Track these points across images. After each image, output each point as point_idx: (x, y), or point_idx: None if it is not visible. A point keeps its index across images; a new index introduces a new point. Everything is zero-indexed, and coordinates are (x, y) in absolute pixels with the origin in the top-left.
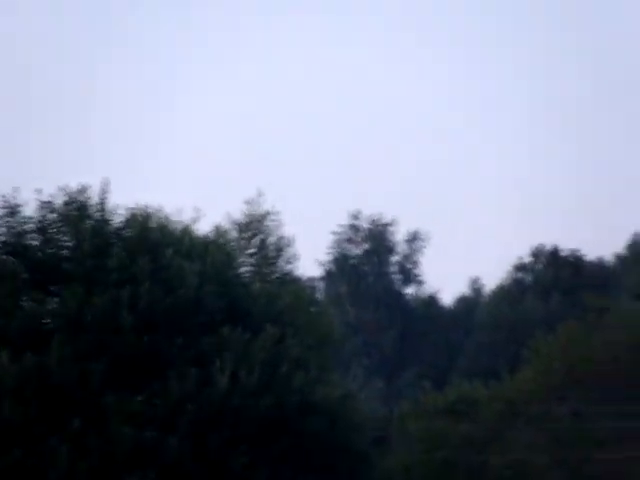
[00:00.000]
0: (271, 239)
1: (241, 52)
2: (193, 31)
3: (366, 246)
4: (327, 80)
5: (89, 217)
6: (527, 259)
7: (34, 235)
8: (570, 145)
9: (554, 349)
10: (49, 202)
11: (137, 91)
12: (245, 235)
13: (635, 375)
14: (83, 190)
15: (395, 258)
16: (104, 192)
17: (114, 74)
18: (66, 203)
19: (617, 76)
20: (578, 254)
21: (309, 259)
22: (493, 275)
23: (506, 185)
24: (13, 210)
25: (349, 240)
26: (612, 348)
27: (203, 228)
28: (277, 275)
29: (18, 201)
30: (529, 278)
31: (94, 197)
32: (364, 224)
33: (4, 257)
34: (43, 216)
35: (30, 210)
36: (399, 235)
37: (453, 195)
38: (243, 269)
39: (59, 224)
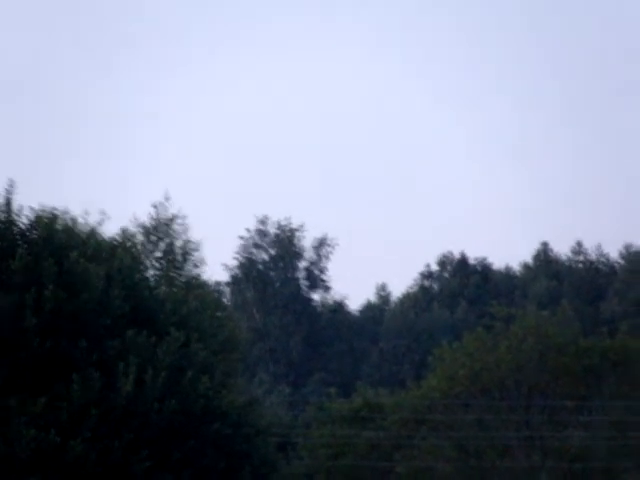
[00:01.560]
0: (178, 243)
1: None
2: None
3: (272, 252)
4: (239, 88)
5: None
6: (434, 267)
7: None
8: (479, 156)
9: (459, 357)
10: None
11: (45, 90)
12: (152, 239)
13: (540, 384)
14: None
15: (302, 264)
16: (9, 193)
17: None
18: None
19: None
20: (485, 263)
21: (216, 264)
22: (400, 282)
23: (413, 193)
24: None
25: (256, 245)
26: (517, 357)
27: (110, 231)
28: (184, 279)
29: None
30: (436, 286)
31: None
32: (271, 229)
33: None
34: None
35: None
36: (306, 241)
37: (361, 202)
38: (149, 273)
39: None
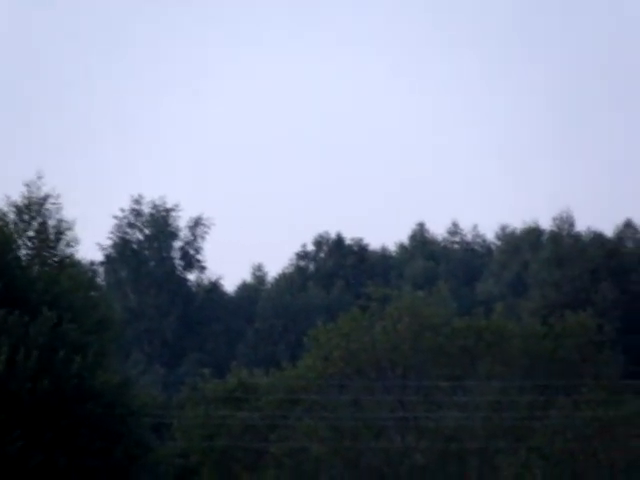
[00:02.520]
0: (51, 222)
1: None
2: None
3: (147, 231)
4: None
5: None
6: (310, 247)
7: None
8: (355, 135)
9: (335, 337)
10: None
11: None
12: (24, 218)
13: (415, 364)
14: None
15: (177, 244)
16: None
17: None
18: None
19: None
20: (362, 243)
21: (90, 243)
22: (276, 263)
23: (290, 173)
24: None
25: (131, 225)
26: (393, 337)
27: None
28: (56, 259)
29: None
30: (312, 266)
31: None
32: (146, 209)
33: None
34: None
35: None
36: (182, 221)
37: (237, 182)
38: (22, 252)
39: None
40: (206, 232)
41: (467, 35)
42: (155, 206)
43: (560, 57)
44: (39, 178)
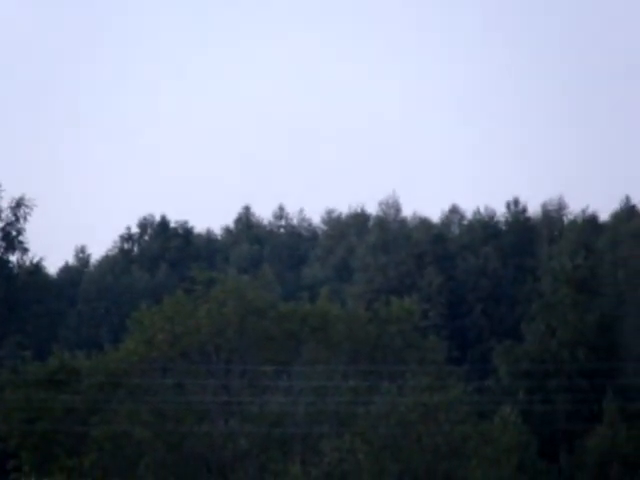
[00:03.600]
0: None
1: None
2: None
3: None
4: None
5: None
6: (135, 230)
7: None
8: (179, 123)
9: (159, 321)
10: None
11: None
12: None
13: (240, 348)
14: None
15: None
16: None
17: None
18: None
19: None
20: (187, 226)
21: None
22: (100, 245)
23: (111, 154)
24: None
25: None
26: (217, 320)
27: None
28: None
29: None
30: (136, 249)
31: None
32: None
33: None
34: None
35: None
36: (3, 201)
37: (61, 163)
38: None
39: None
40: (28, 213)
41: None
42: None
43: None
44: None
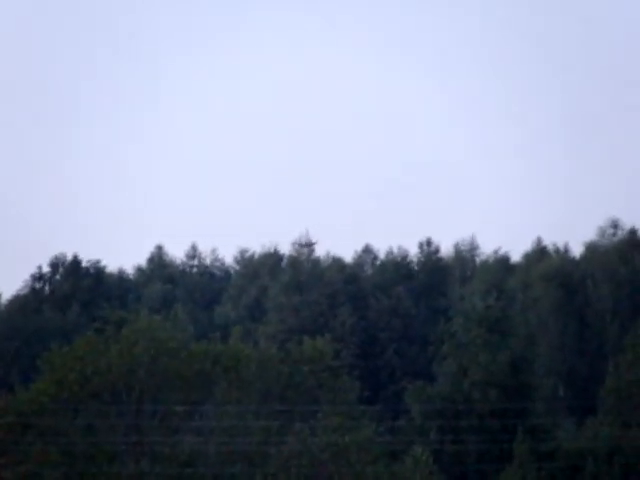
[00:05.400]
0: None
1: None
2: None
3: None
4: None
5: None
6: (46, 269)
7: None
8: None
9: (70, 361)
10: None
11: None
12: None
13: (151, 388)
14: None
15: None
16: None
17: None
18: None
19: None
20: (99, 265)
21: None
22: (11, 285)
23: (27, 193)
24: None
25: None
26: (129, 360)
27: None
28: None
29: None
30: (48, 288)
31: None
32: None
33: None
34: None
35: None
36: None
37: None
38: None
39: None
40: None
41: None
42: None
43: None
44: None
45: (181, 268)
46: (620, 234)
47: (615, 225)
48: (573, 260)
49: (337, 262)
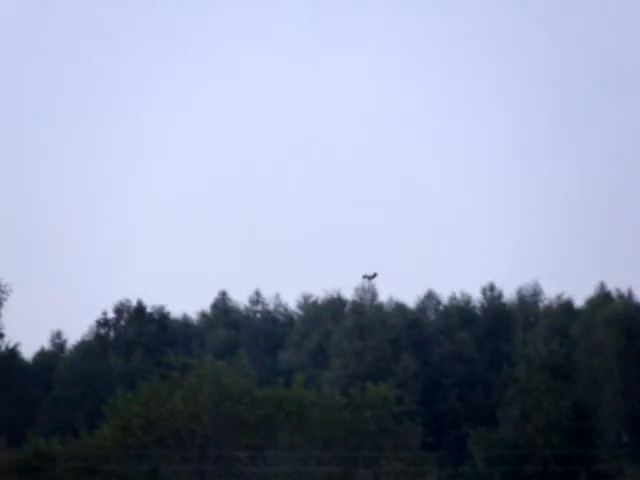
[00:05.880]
0: None
1: None
2: None
3: None
4: None
5: None
6: (111, 315)
7: None
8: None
9: (134, 406)
10: None
11: None
12: None
13: (215, 434)
14: None
15: None
16: None
17: None
18: None
19: None
20: (163, 311)
21: None
22: (76, 330)
23: (86, 238)
24: None
25: None
26: (193, 406)
27: None
28: None
29: None
30: (112, 334)
31: None
32: None
33: None
34: None
35: None
36: None
37: (37, 248)
38: None
39: None
40: (4, 298)
41: None
42: None
43: None
44: None
45: (245, 313)
46: None
47: None
48: (636, 305)
49: (400, 307)
